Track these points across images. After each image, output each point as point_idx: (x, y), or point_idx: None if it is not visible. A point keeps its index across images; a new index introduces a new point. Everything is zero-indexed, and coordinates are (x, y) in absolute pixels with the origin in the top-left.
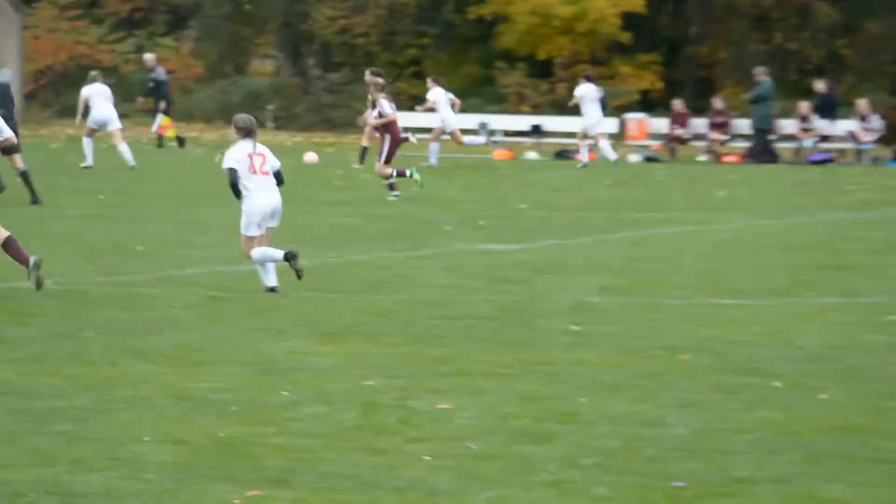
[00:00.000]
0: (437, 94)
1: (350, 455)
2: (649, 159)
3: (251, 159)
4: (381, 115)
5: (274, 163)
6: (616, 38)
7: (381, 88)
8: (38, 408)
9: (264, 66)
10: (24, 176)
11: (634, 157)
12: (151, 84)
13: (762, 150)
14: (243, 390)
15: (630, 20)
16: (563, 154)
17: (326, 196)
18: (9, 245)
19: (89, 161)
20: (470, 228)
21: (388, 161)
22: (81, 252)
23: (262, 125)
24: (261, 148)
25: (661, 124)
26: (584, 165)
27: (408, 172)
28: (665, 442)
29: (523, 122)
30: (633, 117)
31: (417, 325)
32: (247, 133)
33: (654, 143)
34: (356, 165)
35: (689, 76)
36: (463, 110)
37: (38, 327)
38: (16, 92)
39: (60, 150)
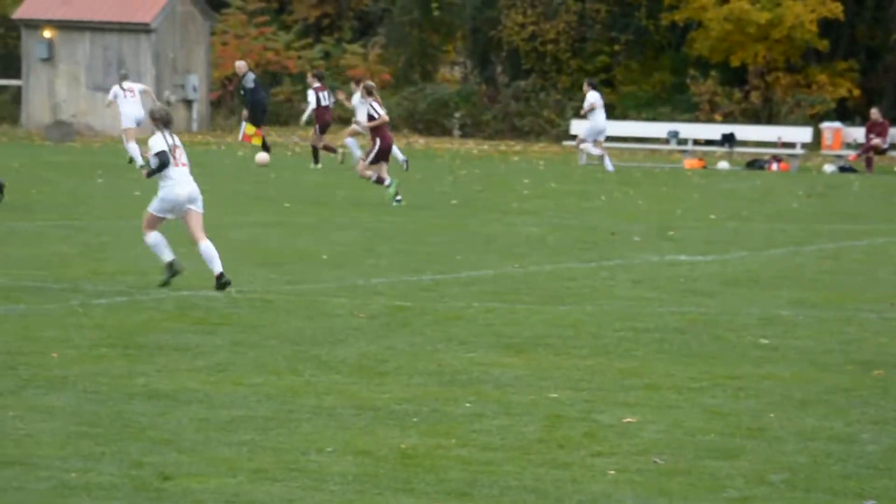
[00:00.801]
0: (595, 98)
1: (533, 468)
2: (844, 169)
3: (174, 151)
4: (371, 118)
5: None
6: (812, 44)
7: (370, 93)
8: (221, 417)
9: (452, 74)
10: None
11: (829, 168)
12: (243, 92)
13: None
14: (426, 401)
15: (827, 27)
16: (756, 164)
17: (512, 205)
18: None
19: (138, 160)
20: (659, 239)
21: (373, 163)
22: (266, 260)
23: (448, 133)
24: (178, 140)
25: (858, 134)
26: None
27: (386, 181)
28: (856, 459)
29: (715, 130)
30: (829, 126)
31: (604, 337)
32: (165, 124)
33: (851, 153)
34: (312, 166)
35: (888, 84)
36: (653, 118)
37: (222, 336)
38: (202, 98)
39: (247, 158)
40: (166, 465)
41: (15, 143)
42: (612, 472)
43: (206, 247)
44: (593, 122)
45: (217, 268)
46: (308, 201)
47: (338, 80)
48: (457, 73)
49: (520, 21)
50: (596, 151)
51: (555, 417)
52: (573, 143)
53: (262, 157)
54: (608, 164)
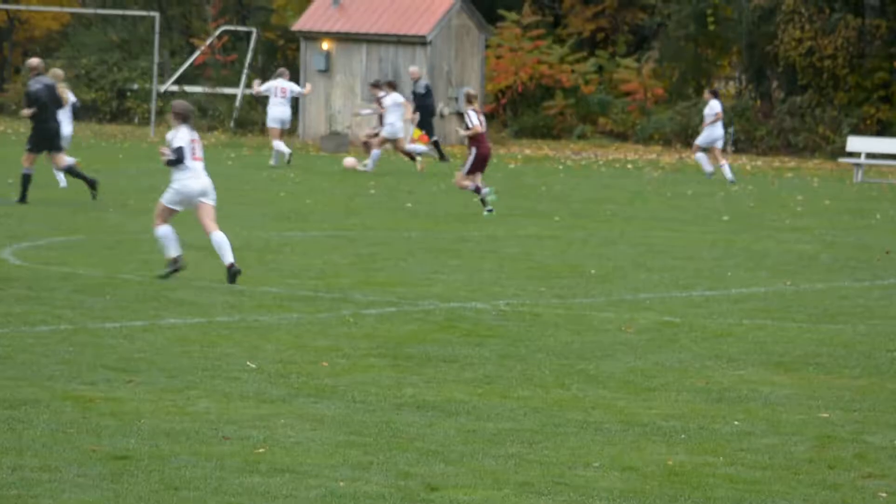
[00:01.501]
0: (718, 107)
1: (802, 489)
2: None
3: (193, 145)
4: (468, 128)
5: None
6: None
7: (470, 101)
8: (488, 429)
9: (726, 88)
10: (71, 171)
11: None
12: (414, 96)
13: None
14: (693, 418)
15: None
16: None
17: (785, 221)
18: None
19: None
20: None
21: (469, 172)
22: (536, 274)
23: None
24: (196, 135)
25: None
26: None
27: (484, 190)
28: None
29: None
30: None
31: (877, 358)
32: (185, 119)
33: None
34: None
35: None
36: None
37: (490, 348)
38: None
39: (517, 171)
40: (433, 476)
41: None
42: (884, 494)
43: (218, 237)
44: (710, 132)
45: (228, 258)
46: (577, 215)
47: (611, 93)
48: (731, 88)
49: (797, 36)
50: (707, 165)
51: (825, 437)
52: (849, 160)
53: (349, 161)
54: (727, 173)
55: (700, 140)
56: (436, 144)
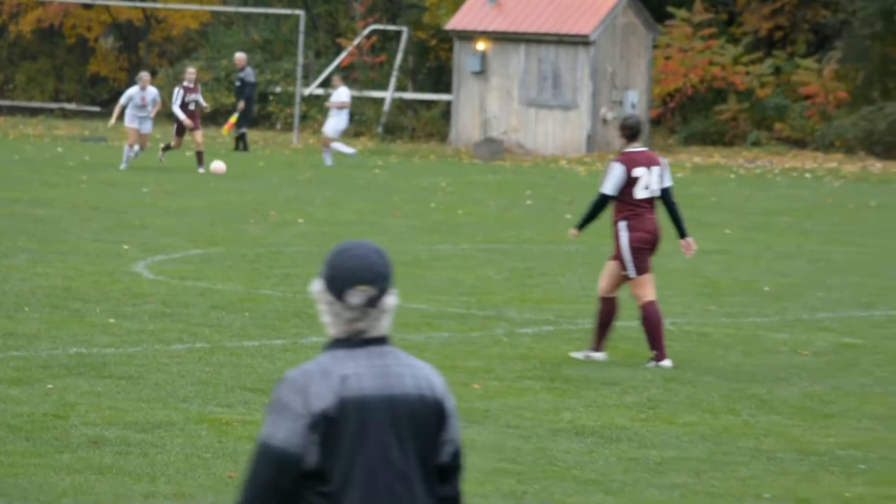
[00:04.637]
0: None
1: None
2: None
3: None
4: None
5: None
6: None
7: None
8: (651, 457)
9: None
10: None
11: None
12: (240, 84)
13: None
14: (875, 447)
15: None
16: None
17: None
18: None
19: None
20: None
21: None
22: (704, 290)
23: None
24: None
25: None
26: None
27: None
28: None
29: None
30: None
31: None
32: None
33: None
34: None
35: None
36: None
37: (653, 371)
38: (643, 114)
39: (686, 180)
40: None
41: (443, 161)
42: None
43: None
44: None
45: None
46: (750, 227)
47: (789, 96)
48: None
49: None
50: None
51: None
52: None
53: (217, 165)
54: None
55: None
56: (242, 137)
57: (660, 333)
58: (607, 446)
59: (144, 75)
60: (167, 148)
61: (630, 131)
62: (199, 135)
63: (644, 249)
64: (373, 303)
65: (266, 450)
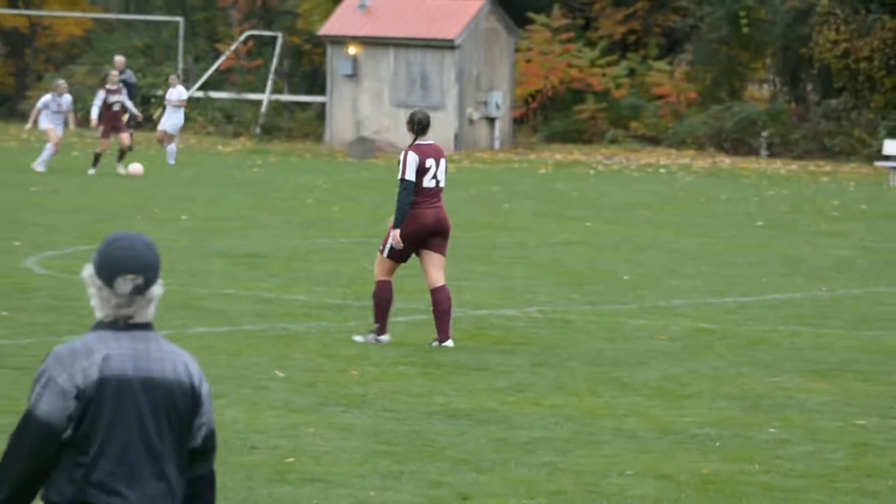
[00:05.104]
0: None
1: (839, 496)
2: None
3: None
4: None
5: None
6: None
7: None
8: (520, 437)
9: (760, 92)
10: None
11: None
12: (120, 85)
13: None
14: (728, 426)
15: None
16: None
17: (821, 226)
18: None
19: None
20: None
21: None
22: (567, 280)
23: (755, 152)
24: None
25: None
26: None
27: None
28: None
29: None
30: None
31: None
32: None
33: None
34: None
35: None
36: None
37: (521, 356)
38: (504, 116)
39: (548, 176)
40: (465, 485)
41: (318, 159)
42: None
43: None
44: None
45: None
46: (609, 220)
47: (643, 97)
48: (765, 91)
49: (832, 38)
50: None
51: (862, 445)
52: (886, 163)
53: (135, 167)
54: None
55: None
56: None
57: (389, 309)
58: (478, 428)
59: (62, 83)
60: (98, 157)
61: (419, 126)
62: (125, 136)
63: (416, 237)
64: (139, 291)
65: (30, 419)
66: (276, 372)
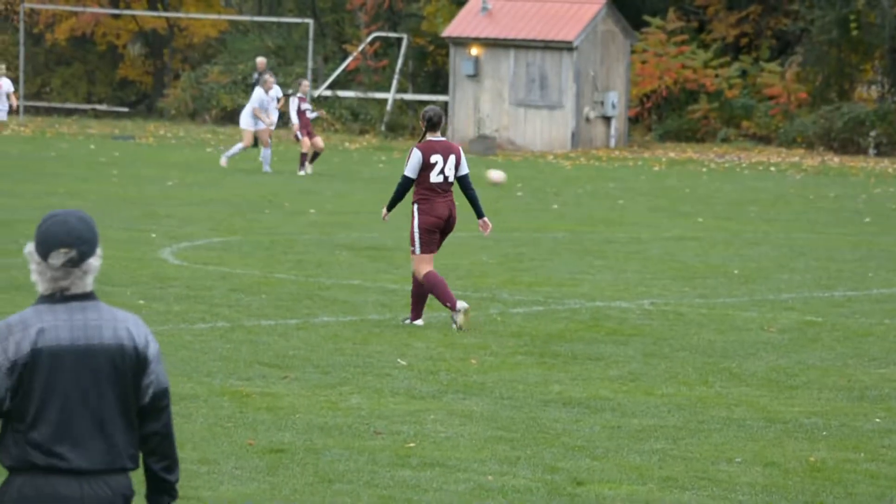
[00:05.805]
0: None
1: None
2: None
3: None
4: None
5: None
6: None
7: None
8: (632, 425)
9: (868, 93)
10: None
11: None
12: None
13: None
14: (835, 415)
15: None
16: None
17: None
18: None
19: None
20: None
21: None
22: (680, 274)
23: (863, 151)
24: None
25: None
26: None
27: None
28: None
29: None
30: None
31: None
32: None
33: None
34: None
35: None
36: None
37: (634, 346)
38: (620, 115)
39: (662, 174)
40: (579, 471)
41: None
42: None
43: None
44: None
45: None
46: (721, 217)
47: (754, 97)
48: (874, 92)
49: None
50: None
51: None
52: None
53: (496, 175)
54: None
55: None
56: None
57: (423, 300)
58: (592, 416)
59: (269, 77)
60: (305, 157)
61: (429, 122)
62: (317, 140)
63: (433, 231)
64: (73, 263)
65: None
66: (399, 360)
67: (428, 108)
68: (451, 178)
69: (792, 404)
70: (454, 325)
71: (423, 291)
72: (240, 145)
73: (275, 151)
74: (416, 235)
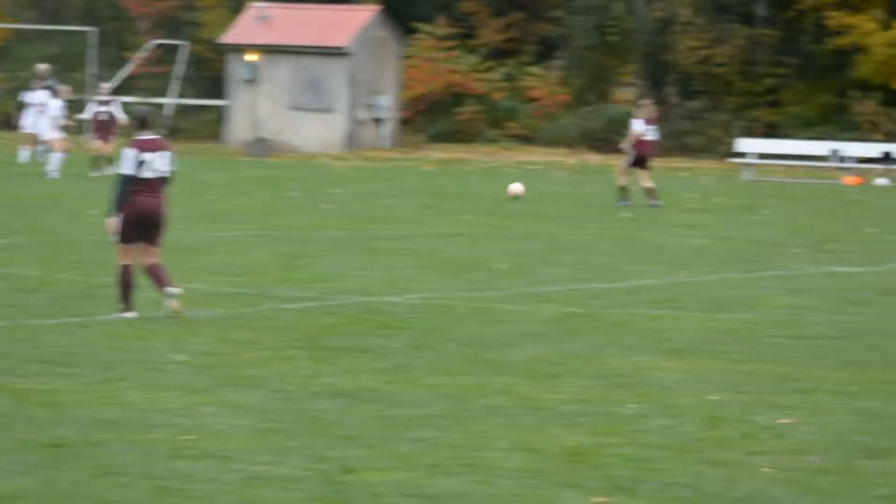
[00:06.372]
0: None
1: (692, 466)
2: None
3: None
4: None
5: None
6: None
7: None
8: (400, 415)
9: (625, 94)
10: None
11: None
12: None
13: None
14: (593, 402)
15: None
16: None
17: (680, 218)
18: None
19: None
20: (818, 251)
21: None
22: (447, 269)
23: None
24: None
25: None
26: None
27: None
28: None
29: (875, 149)
30: None
31: (762, 344)
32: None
33: None
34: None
35: None
36: (815, 137)
37: (402, 339)
38: (391, 117)
39: (431, 173)
40: (348, 460)
41: (218, 158)
42: (767, 469)
43: None
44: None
45: None
46: (487, 213)
47: (519, 99)
48: (631, 93)
49: (692, 45)
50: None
51: (714, 418)
52: (738, 160)
53: (516, 188)
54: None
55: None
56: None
57: (131, 290)
58: (362, 406)
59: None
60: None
61: (140, 122)
62: (106, 145)
63: (137, 224)
64: None
65: None
66: (176, 356)
67: (139, 109)
68: (161, 174)
69: (552, 392)
70: (122, 316)
71: (128, 281)
72: (57, 154)
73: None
74: (119, 226)
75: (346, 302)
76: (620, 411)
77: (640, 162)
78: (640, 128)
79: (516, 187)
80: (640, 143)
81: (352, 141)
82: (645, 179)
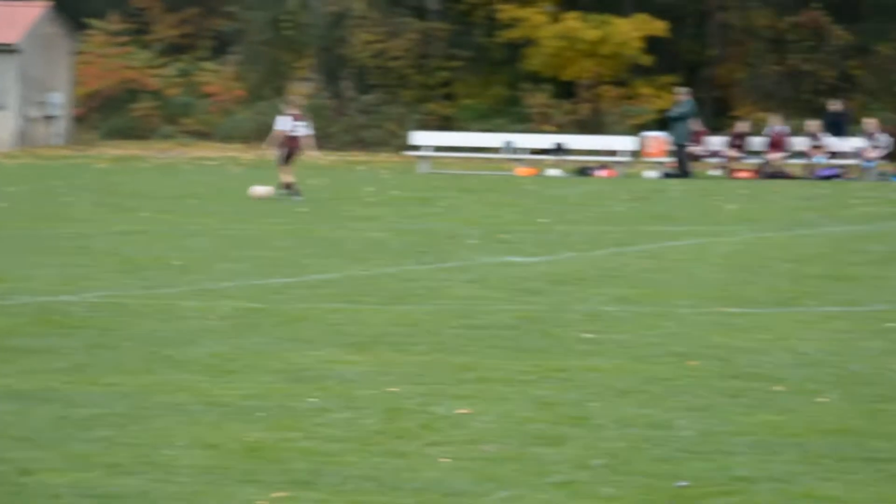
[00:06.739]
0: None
1: (372, 458)
2: (668, 175)
3: None
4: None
5: None
6: (638, 60)
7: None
8: (78, 415)
9: (302, 89)
10: None
11: (652, 174)
12: None
13: (681, 165)
14: (273, 397)
15: (652, 43)
16: (584, 171)
17: (357, 211)
18: None
19: None
20: (493, 242)
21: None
22: (123, 267)
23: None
24: None
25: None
26: None
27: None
28: (671, 444)
29: (546, 140)
30: (652, 135)
31: (441, 334)
32: None
33: (670, 161)
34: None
35: (706, 96)
36: (489, 129)
37: (80, 338)
38: (64, 115)
39: (106, 171)
40: (25, 461)
41: None
42: (446, 459)
43: None
44: None
45: None
46: (163, 210)
47: (194, 95)
48: (307, 88)
49: (366, 40)
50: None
51: (394, 410)
52: (413, 153)
53: (260, 190)
54: None
55: None
56: None
57: None
58: (39, 407)
59: None
60: None
61: None
62: None
63: None
64: None
65: None
66: None
67: None
68: None
69: (231, 388)
70: None
71: None
72: None
73: None
74: None
75: (23, 302)
76: (300, 406)
77: (288, 157)
78: (287, 125)
79: (260, 189)
80: (288, 139)
81: (23, 139)
82: (287, 174)
